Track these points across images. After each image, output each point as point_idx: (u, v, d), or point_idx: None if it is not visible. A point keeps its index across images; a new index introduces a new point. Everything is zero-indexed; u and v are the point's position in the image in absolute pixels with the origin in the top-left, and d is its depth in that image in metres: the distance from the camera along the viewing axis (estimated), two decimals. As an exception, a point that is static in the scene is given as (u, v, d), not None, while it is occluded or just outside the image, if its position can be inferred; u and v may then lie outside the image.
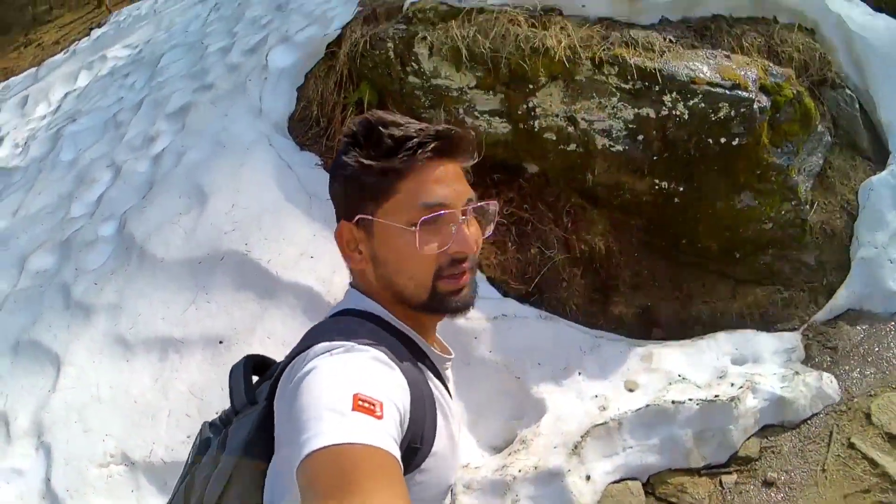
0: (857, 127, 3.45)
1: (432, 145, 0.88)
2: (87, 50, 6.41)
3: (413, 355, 0.92)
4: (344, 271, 2.42)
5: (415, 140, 0.87)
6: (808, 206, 3.01)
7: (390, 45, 3.06)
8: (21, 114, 5.47)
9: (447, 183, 0.90)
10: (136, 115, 4.11)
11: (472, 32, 2.78)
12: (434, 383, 0.94)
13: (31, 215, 3.74)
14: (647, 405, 2.26)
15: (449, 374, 1.04)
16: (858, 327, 2.81)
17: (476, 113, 2.95)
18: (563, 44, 2.61)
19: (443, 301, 0.92)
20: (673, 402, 2.27)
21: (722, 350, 2.57)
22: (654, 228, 2.90)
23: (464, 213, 0.92)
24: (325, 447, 0.67)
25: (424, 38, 2.90)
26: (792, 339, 2.70)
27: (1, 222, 3.86)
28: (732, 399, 2.28)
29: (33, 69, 7.00)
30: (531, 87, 2.78)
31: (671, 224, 2.86)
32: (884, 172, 3.36)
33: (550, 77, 2.74)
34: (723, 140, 2.70)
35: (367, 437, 0.69)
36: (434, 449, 0.87)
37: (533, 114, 2.82)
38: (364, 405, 0.72)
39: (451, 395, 1.01)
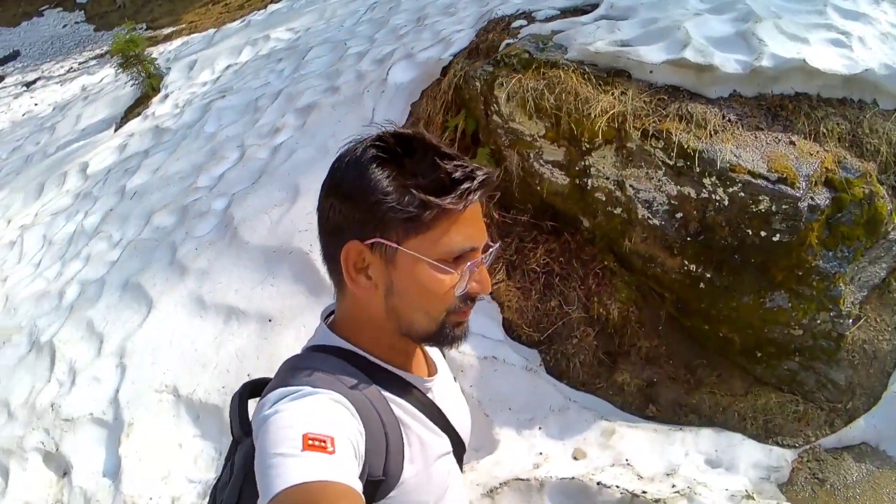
0: None
1: (480, 192, 1.03)
2: (259, 24, 8.03)
3: (383, 384, 1.11)
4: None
5: (468, 185, 1.00)
6: (849, 320, 3.20)
7: (478, 84, 3.93)
8: (188, 76, 7.13)
9: (477, 224, 1.06)
10: (272, 104, 5.39)
11: (541, 86, 3.55)
12: (406, 410, 1.12)
13: (167, 176, 5.14)
14: (573, 477, 2.79)
15: (438, 390, 1.23)
16: (863, 466, 2.92)
17: (542, 160, 3.71)
18: (612, 111, 3.29)
19: (447, 334, 1.10)
20: (599, 483, 2.75)
21: (698, 447, 2.97)
22: (683, 308, 3.42)
23: (484, 251, 1.10)
24: (281, 491, 0.83)
25: (503, 83, 3.73)
26: (782, 457, 2.94)
27: (144, 177, 5.33)
28: (658, 501, 2.66)
29: (212, 31, 8.84)
30: (587, 146, 3.48)
31: (697, 308, 3.35)
32: None
33: (605, 140, 3.42)
34: (763, 234, 3.08)
35: (320, 473, 0.85)
36: (404, 477, 1.07)
37: (588, 172, 3.53)
38: (314, 443, 0.88)
39: (440, 411, 1.20)
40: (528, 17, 4.39)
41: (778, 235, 3.07)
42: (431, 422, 1.17)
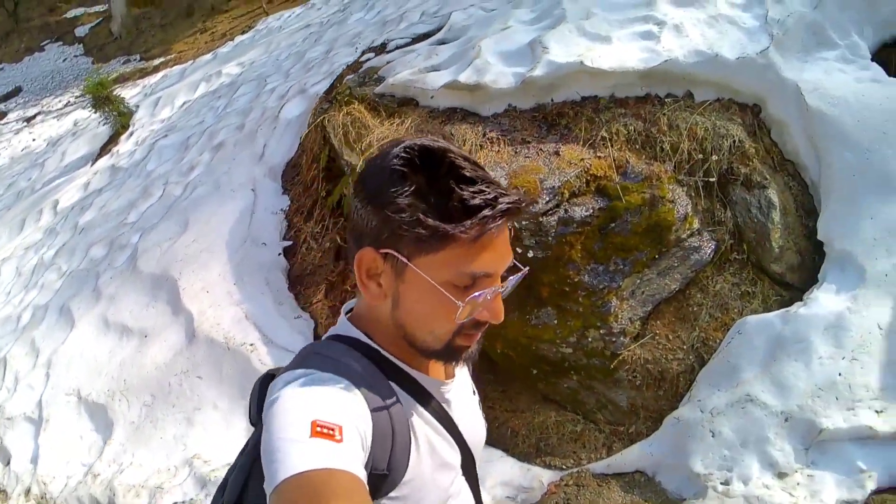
0: (767, 241, 3.39)
1: (500, 220, 1.05)
2: (222, 57, 9.25)
3: (397, 382, 1.18)
4: (219, 308, 4.46)
5: (486, 213, 1.03)
6: (624, 338, 3.26)
7: (319, 119, 4.95)
8: (152, 114, 8.41)
9: (497, 250, 1.09)
10: (198, 142, 6.55)
11: (347, 121, 4.48)
12: (417, 410, 1.19)
13: (109, 213, 6.38)
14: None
15: (451, 396, 1.28)
16: (629, 496, 2.89)
17: (367, 191, 4.71)
18: (384, 140, 4.07)
19: (453, 353, 1.17)
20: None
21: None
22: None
23: (503, 280, 1.15)
24: (288, 477, 0.92)
25: (329, 120, 4.69)
26: (537, 478, 3.05)
27: (93, 214, 6.59)
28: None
29: (189, 63, 10.12)
30: None
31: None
32: (772, 313, 3.16)
33: None
34: (518, 251, 3.21)
35: (327, 461, 0.93)
36: (407, 477, 1.13)
37: None
38: (322, 430, 0.97)
39: (452, 417, 1.26)
40: (381, 48, 5.35)
41: (532, 252, 3.22)
42: (443, 427, 1.23)
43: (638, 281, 3.31)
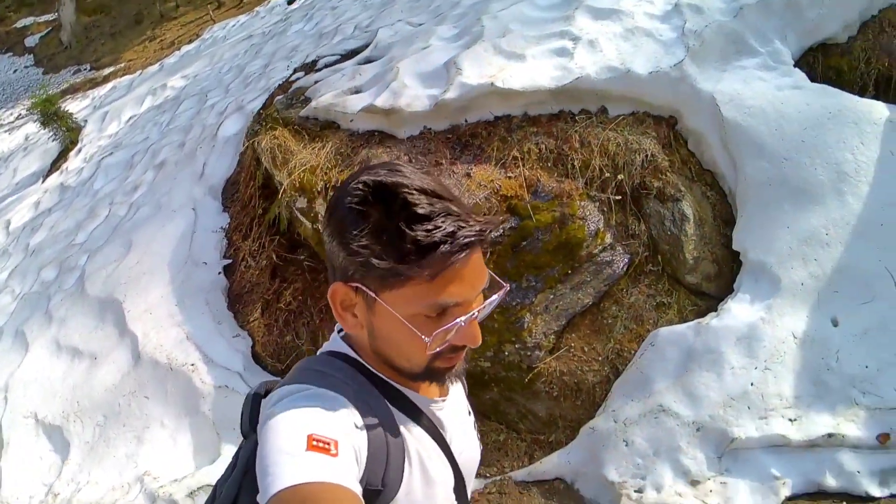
0: (681, 253, 3.44)
1: (462, 255, 1.04)
2: (168, 68, 9.41)
3: (388, 399, 1.21)
4: (161, 329, 4.74)
5: (445, 249, 1.02)
6: (539, 352, 3.37)
7: (251, 142, 5.19)
8: (100, 129, 8.57)
9: (465, 280, 1.09)
10: (141, 161, 6.76)
11: (273, 144, 4.73)
12: (408, 427, 1.22)
13: (57, 234, 6.60)
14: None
15: (443, 414, 1.30)
16: (548, 503, 2.98)
17: (296, 207, 4.92)
18: (307, 164, 4.35)
19: (434, 375, 1.20)
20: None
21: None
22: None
23: (477, 304, 1.15)
24: (282, 489, 0.94)
25: (258, 142, 4.93)
26: None
27: (43, 234, 6.80)
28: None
29: (137, 74, 10.26)
30: (310, 195, 4.64)
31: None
32: (684, 325, 3.19)
33: (318, 190, 4.48)
34: None
35: (321, 474, 0.96)
36: (401, 493, 1.16)
37: (317, 218, 4.65)
38: (318, 444, 0.99)
39: (444, 435, 1.28)
40: (311, 66, 5.52)
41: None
42: (436, 443, 1.26)
43: (551, 296, 3.41)
